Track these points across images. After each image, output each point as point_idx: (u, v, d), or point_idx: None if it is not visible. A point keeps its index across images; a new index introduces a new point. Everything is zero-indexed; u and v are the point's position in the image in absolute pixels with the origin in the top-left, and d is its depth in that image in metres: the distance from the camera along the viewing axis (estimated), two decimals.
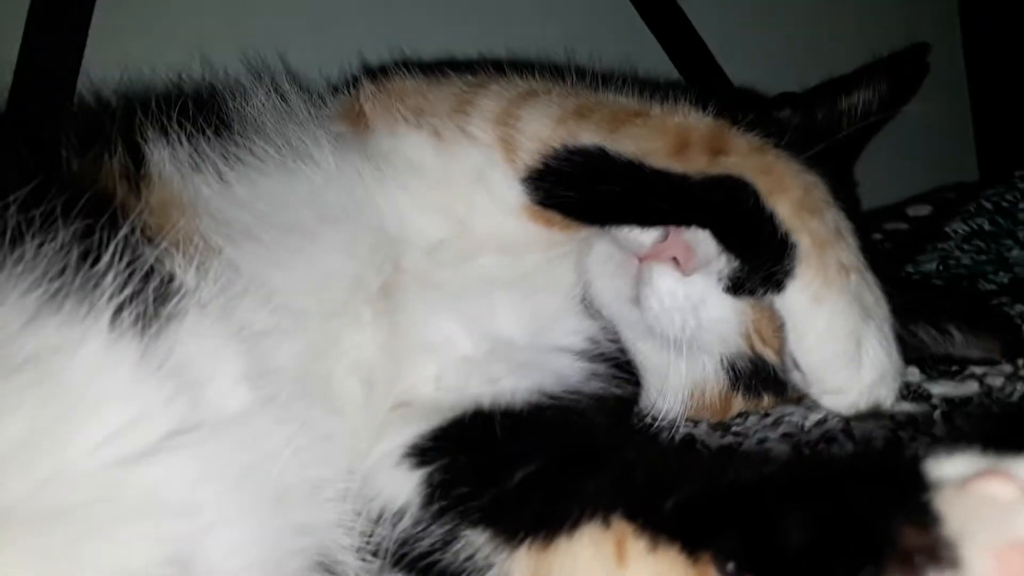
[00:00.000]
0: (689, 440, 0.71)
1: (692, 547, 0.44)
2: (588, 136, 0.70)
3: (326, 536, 0.56)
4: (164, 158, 0.62)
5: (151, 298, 0.50)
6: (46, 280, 0.47)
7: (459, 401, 0.66)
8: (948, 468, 0.34)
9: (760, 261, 0.65)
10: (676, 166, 0.68)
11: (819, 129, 0.81)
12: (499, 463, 0.56)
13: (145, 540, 0.44)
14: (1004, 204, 1.11)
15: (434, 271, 0.72)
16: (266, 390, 0.54)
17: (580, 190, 0.71)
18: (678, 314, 0.72)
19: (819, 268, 0.65)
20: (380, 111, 0.77)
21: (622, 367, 0.75)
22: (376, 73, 0.81)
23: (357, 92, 0.79)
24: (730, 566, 0.42)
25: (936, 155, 1.42)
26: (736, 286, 0.70)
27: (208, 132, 0.67)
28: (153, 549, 0.44)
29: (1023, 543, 0.29)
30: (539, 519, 0.51)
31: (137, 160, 0.61)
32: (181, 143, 0.64)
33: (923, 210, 1.24)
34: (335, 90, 0.82)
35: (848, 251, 0.67)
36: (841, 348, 0.64)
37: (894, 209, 1.24)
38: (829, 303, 0.64)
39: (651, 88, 0.76)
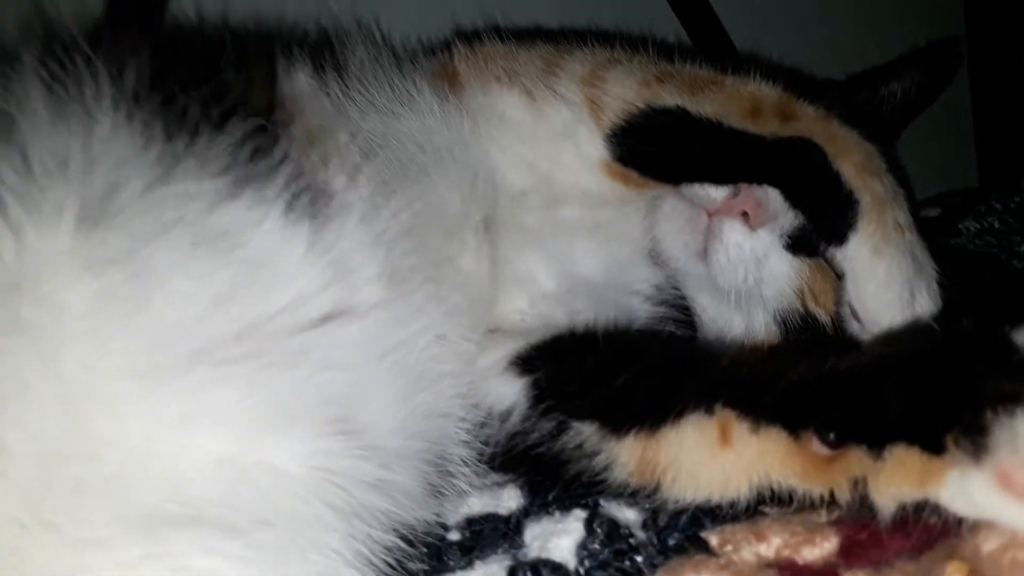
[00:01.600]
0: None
1: (794, 426, 0.51)
2: (670, 98, 0.77)
3: (443, 424, 0.62)
4: (301, 86, 0.68)
5: (315, 194, 0.56)
6: (231, 167, 0.53)
7: (547, 329, 0.72)
8: None
9: (826, 216, 0.73)
10: (751, 127, 0.76)
11: (864, 111, 0.89)
12: (601, 368, 0.62)
13: (318, 390, 0.50)
14: (1012, 205, 1.20)
15: (520, 215, 0.78)
16: (399, 289, 0.61)
17: (661, 146, 0.78)
18: (742, 266, 0.79)
19: (879, 224, 0.72)
20: (473, 71, 0.84)
21: (683, 313, 0.82)
22: (468, 37, 0.88)
23: (451, 53, 0.86)
24: (832, 435, 0.49)
25: (939, 163, 1.51)
26: (796, 243, 0.78)
27: (329, 71, 0.73)
28: (324, 399, 0.50)
29: None
30: (644, 411, 0.57)
31: (275, 84, 0.68)
32: (312, 76, 0.70)
33: (933, 212, 1.32)
34: (430, 51, 0.89)
35: (903, 212, 0.75)
36: (897, 297, 0.72)
37: (920, 215, 1.33)
38: (887, 255, 0.72)
39: (721, 61, 0.84)
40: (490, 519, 0.59)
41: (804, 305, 0.81)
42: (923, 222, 0.82)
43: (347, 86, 0.73)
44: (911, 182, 0.85)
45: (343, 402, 0.52)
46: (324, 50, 0.76)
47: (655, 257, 0.84)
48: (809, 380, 0.52)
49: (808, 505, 0.51)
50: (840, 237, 0.73)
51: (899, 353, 0.49)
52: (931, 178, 1.46)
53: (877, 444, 0.46)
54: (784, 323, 0.82)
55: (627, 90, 0.79)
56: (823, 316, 0.81)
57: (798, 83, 0.83)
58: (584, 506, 0.55)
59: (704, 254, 0.80)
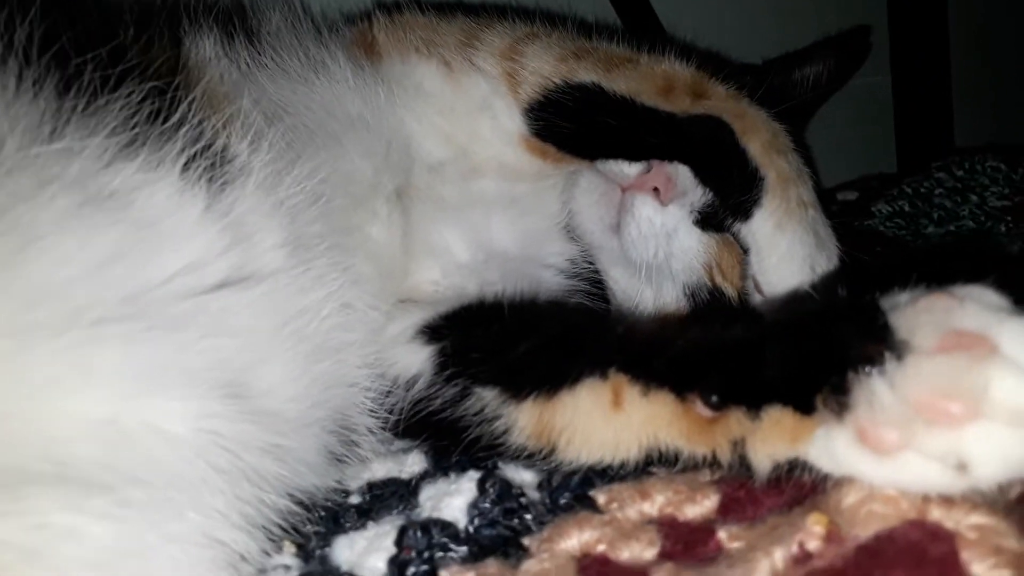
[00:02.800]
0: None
1: (681, 389, 0.53)
2: (585, 74, 0.79)
3: (348, 393, 0.62)
4: (206, 51, 0.67)
5: (214, 159, 0.56)
6: (124, 128, 0.52)
7: (459, 299, 0.73)
8: (901, 298, 0.43)
9: (733, 191, 0.75)
10: (664, 105, 0.78)
11: (777, 93, 0.91)
12: (505, 337, 0.63)
13: (208, 354, 0.50)
14: (922, 190, 1.24)
15: (437, 186, 0.79)
16: (302, 257, 0.60)
17: (576, 122, 0.79)
18: (652, 240, 0.81)
19: (783, 199, 0.75)
20: (392, 40, 0.83)
21: (596, 287, 0.84)
22: (389, 7, 0.88)
23: (370, 23, 0.85)
24: (714, 398, 0.50)
25: (861, 149, 1.57)
26: (705, 219, 0.80)
27: (242, 36, 0.72)
28: (214, 363, 0.50)
29: (959, 329, 0.38)
30: (543, 377, 0.58)
31: (179, 50, 0.66)
32: (218, 42, 0.69)
33: (851, 195, 1.37)
34: (350, 21, 0.88)
35: (807, 190, 0.78)
36: (798, 270, 0.74)
37: (825, 193, 1.37)
38: (790, 230, 0.74)
39: (637, 40, 0.85)
40: (391, 483, 0.60)
41: (712, 279, 0.83)
42: (827, 201, 0.85)
43: (258, 53, 0.72)
44: (816, 163, 0.88)
45: (236, 367, 0.52)
46: (235, 17, 0.75)
47: (571, 231, 0.85)
48: (696, 346, 0.54)
49: (693, 466, 0.53)
50: (745, 212, 0.75)
51: (778, 321, 0.51)
52: (853, 163, 1.50)
53: (755, 405, 0.48)
54: (693, 296, 0.84)
55: (545, 65, 0.79)
56: (730, 290, 0.84)
57: (713, 64, 0.85)
58: (481, 468, 0.56)
59: (617, 228, 0.82)
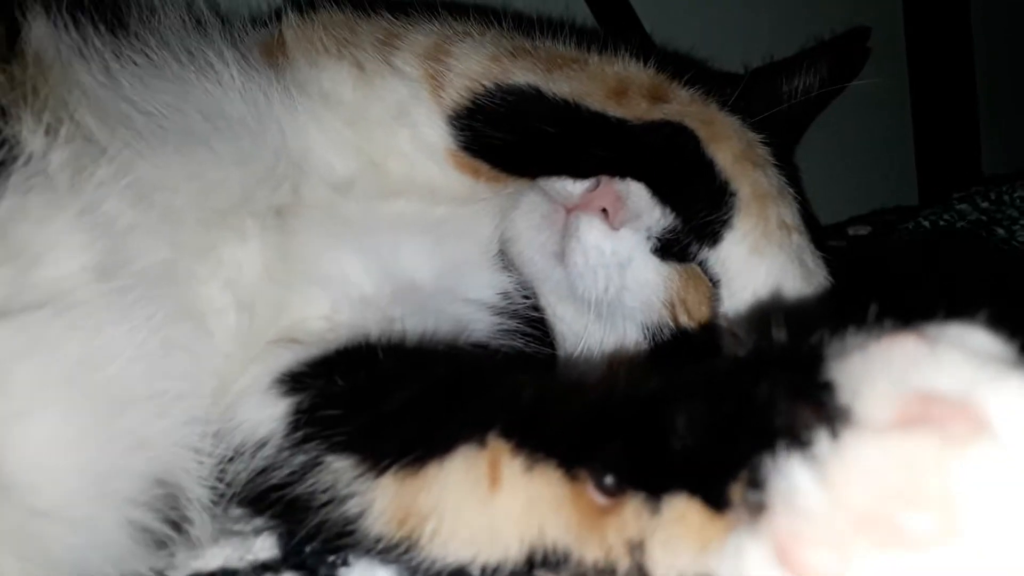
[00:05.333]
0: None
1: (571, 463, 0.38)
2: (522, 76, 0.66)
3: (170, 458, 0.49)
4: (42, 37, 0.56)
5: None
6: None
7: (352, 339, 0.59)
8: (851, 342, 0.28)
9: (697, 208, 0.61)
10: (614, 110, 0.64)
11: (756, 101, 0.77)
12: (378, 388, 0.49)
13: None
14: (941, 223, 1.09)
15: (339, 205, 0.66)
16: (116, 285, 0.48)
17: (510, 132, 0.66)
18: (603, 271, 0.67)
19: (759, 219, 0.61)
20: (302, 41, 0.71)
21: (535, 327, 0.69)
22: (303, 5, 0.77)
23: (280, 24, 0.74)
24: (608, 479, 0.36)
25: (879, 178, 1.41)
26: (666, 247, 0.66)
27: (101, 27, 0.61)
28: None
29: (928, 391, 0.24)
30: (410, 442, 0.44)
31: (12, 34, 0.55)
32: (67, 28, 0.58)
33: (863, 230, 1.22)
34: (259, 23, 0.77)
35: (790, 211, 0.64)
36: None
37: (834, 228, 1.22)
38: (769, 256, 0.60)
39: (592, 39, 0.72)
40: None
41: (675, 319, 0.69)
42: (818, 228, 0.70)
43: (119, 49, 0.61)
44: (803, 183, 0.73)
45: None
46: (104, 7, 0.65)
47: (506, 260, 0.72)
48: (597, 406, 0.40)
49: (591, 575, 0.38)
50: (713, 235, 0.61)
51: (700, 374, 0.37)
52: (871, 194, 1.35)
53: (656, 492, 0.34)
54: (653, 339, 0.70)
55: (474, 65, 0.67)
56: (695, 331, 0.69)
57: (687, 70, 0.72)
58: (298, 566, 0.42)
59: (562, 256, 0.68)
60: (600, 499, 0.36)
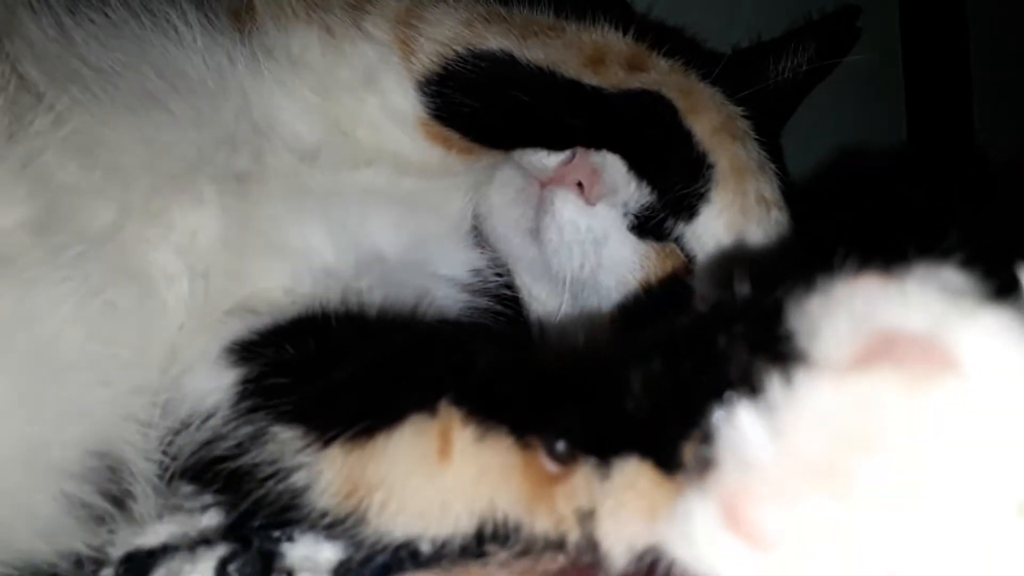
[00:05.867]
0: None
1: (523, 431, 0.36)
2: (495, 41, 0.64)
3: (111, 428, 0.46)
4: None
5: None
6: None
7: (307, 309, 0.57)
8: (814, 288, 0.26)
9: (673, 180, 0.59)
10: (590, 78, 0.62)
11: (740, 79, 0.75)
12: (329, 357, 0.46)
13: None
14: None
15: (304, 174, 0.63)
16: (54, 241, 0.45)
17: (481, 99, 0.64)
18: (578, 248, 0.65)
19: (737, 193, 0.59)
20: (271, 5, 0.69)
21: (508, 305, 0.67)
22: None
23: None
24: (560, 445, 0.33)
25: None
26: (643, 224, 0.64)
27: None
28: None
29: (893, 328, 0.21)
30: (359, 412, 0.42)
31: None
32: None
33: None
34: None
35: (770, 186, 0.61)
36: None
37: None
38: (746, 232, 0.57)
39: (572, 9, 0.70)
40: (144, 555, 0.43)
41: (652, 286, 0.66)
42: (802, 204, 0.68)
43: (75, 4, 0.59)
44: (786, 165, 0.71)
45: None
46: None
47: (479, 236, 0.69)
48: (552, 369, 0.37)
49: (540, 548, 0.36)
50: (689, 208, 0.59)
51: (658, 331, 0.34)
52: None
53: (607, 456, 0.31)
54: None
55: (447, 29, 0.65)
56: None
57: (665, 40, 0.69)
58: (239, 539, 0.40)
59: (536, 232, 0.66)
60: (551, 467, 0.34)
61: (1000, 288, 0.22)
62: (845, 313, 0.22)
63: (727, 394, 0.24)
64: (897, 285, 0.22)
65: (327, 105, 0.65)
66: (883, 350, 0.21)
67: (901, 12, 1.34)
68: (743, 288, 0.30)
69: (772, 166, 0.64)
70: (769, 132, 0.69)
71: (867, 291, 0.22)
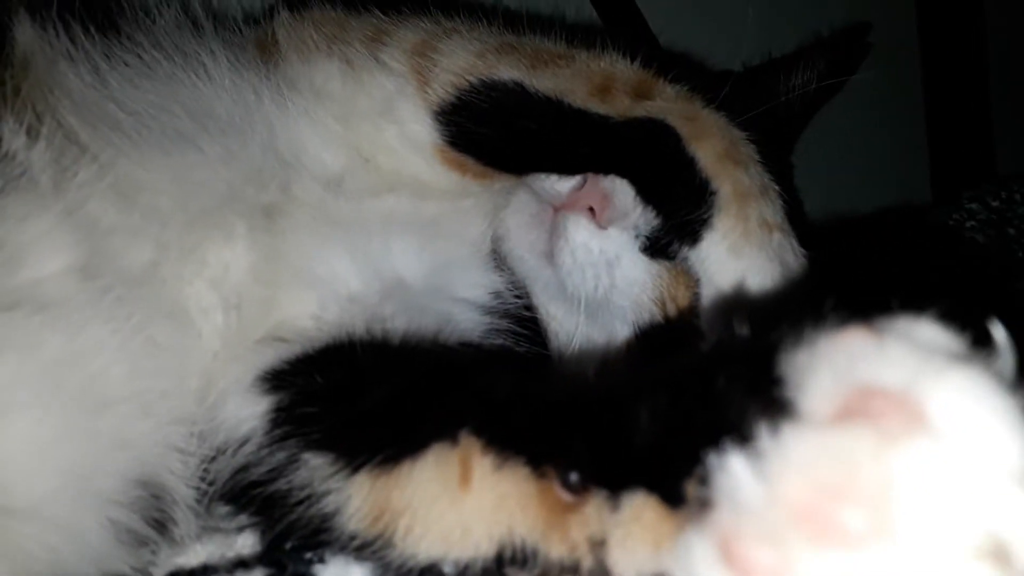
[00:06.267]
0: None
1: (538, 461, 0.38)
2: (507, 72, 0.66)
3: (153, 457, 0.49)
4: (27, 40, 0.57)
5: None
6: None
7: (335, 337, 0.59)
8: (805, 336, 0.28)
9: (677, 207, 0.61)
10: (597, 107, 0.64)
11: (747, 99, 0.77)
12: (356, 385, 0.49)
13: None
14: (950, 223, 1.07)
15: (329, 203, 0.66)
16: (98, 284, 0.48)
17: (494, 127, 0.66)
18: (591, 270, 0.67)
19: (739, 219, 0.60)
20: (294, 39, 0.72)
21: (527, 326, 0.69)
22: (295, 4, 0.77)
23: (273, 21, 0.74)
24: (573, 476, 0.36)
25: (892, 175, 1.40)
26: (653, 245, 0.66)
27: (92, 29, 0.62)
28: None
29: (872, 384, 0.23)
30: (385, 440, 0.44)
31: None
32: (56, 32, 0.59)
33: None
34: (252, 21, 0.78)
35: (773, 209, 0.63)
36: None
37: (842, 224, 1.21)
38: (748, 256, 0.59)
39: (582, 37, 0.72)
40: (190, 574, 0.46)
41: (666, 317, 0.68)
42: (804, 224, 0.69)
43: (110, 50, 0.62)
44: (794, 180, 0.72)
45: None
46: (95, 9, 0.65)
47: (498, 259, 0.71)
48: (565, 402, 0.39)
49: (556, 572, 0.38)
50: (693, 234, 0.61)
51: (666, 366, 0.36)
52: (884, 192, 1.34)
53: (616, 489, 0.33)
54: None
55: (461, 60, 0.67)
56: None
57: (671, 65, 0.71)
58: (273, 563, 0.42)
59: (550, 255, 0.68)
60: (565, 496, 0.36)
61: (975, 340, 0.24)
62: (828, 367, 0.24)
63: (722, 439, 0.26)
64: (876, 341, 0.24)
65: (349, 134, 0.68)
66: (862, 404, 0.23)
67: (919, 28, 1.34)
68: (743, 329, 0.32)
69: (776, 188, 0.65)
70: (776, 152, 0.70)
71: (849, 346, 0.24)
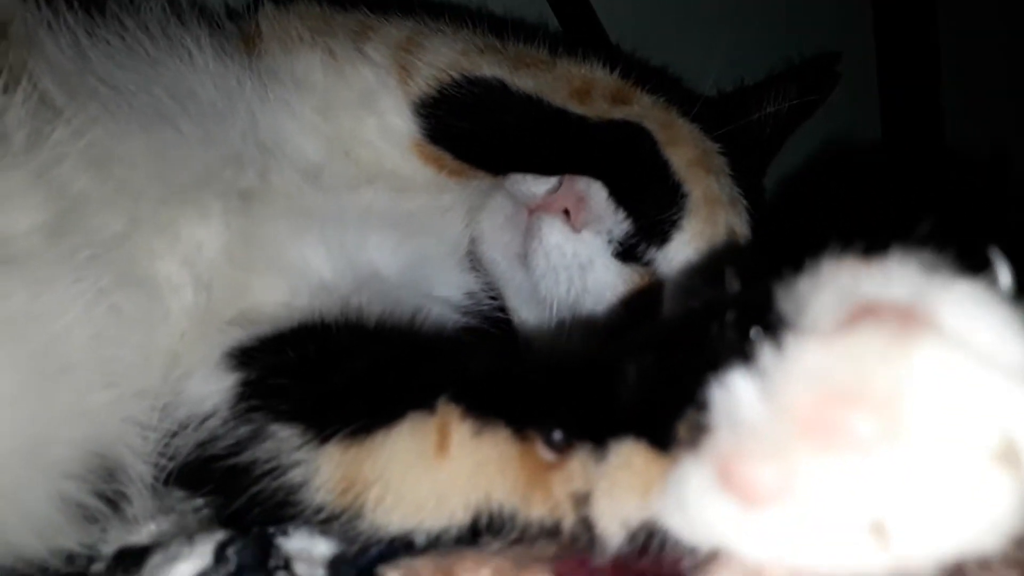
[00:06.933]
0: None
1: (520, 424, 0.37)
2: (489, 69, 0.67)
3: (111, 430, 0.47)
4: (5, 6, 0.56)
5: None
6: None
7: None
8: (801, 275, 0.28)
9: (649, 207, 0.61)
10: (575, 108, 0.65)
11: (720, 118, 0.78)
12: (325, 362, 0.48)
13: None
14: None
15: (306, 192, 0.65)
16: (67, 246, 0.46)
17: (473, 122, 0.66)
18: (564, 273, 0.67)
19: (708, 223, 0.61)
20: (277, 30, 0.72)
21: (499, 328, 0.68)
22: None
23: (257, 14, 0.74)
24: (556, 435, 0.35)
25: None
26: (626, 251, 0.66)
27: (75, 5, 0.61)
28: None
29: (876, 299, 0.23)
30: (358, 411, 0.43)
31: None
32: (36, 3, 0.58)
33: None
34: (236, 13, 0.78)
35: (740, 220, 0.64)
36: None
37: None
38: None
39: (563, 46, 0.73)
40: (143, 550, 0.43)
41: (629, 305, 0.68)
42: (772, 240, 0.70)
43: (92, 28, 0.61)
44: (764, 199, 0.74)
45: None
46: None
47: (474, 260, 0.71)
48: (546, 366, 0.39)
49: (530, 536, 0.37)
50: (662, 235, 0.61)
51: (651, 328, 0.36)
52: None
53: (602, 440, 0.33)
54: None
55: (442, 57, 0.68)
56: None
57: (649, 79, 0.73)
58: (233, 530, 0.40)
59: (524, 257, 0.68)
60: (548, 455, 0.35)
61: (971, 268, 0.25)
62: (831, 288, 0.24)
63: (721, 365, 0.26)
64: (880, 264, 0.24)
65: (329, 125, 0.67)
66: (867, 316, 0.23)
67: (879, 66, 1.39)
68: (733, 284, 0.32)
69: (744, 203, 0.67)
70: (746, 169, 0.72)
71: (851, 269, 0.24)
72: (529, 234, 0.67)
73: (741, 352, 0.26)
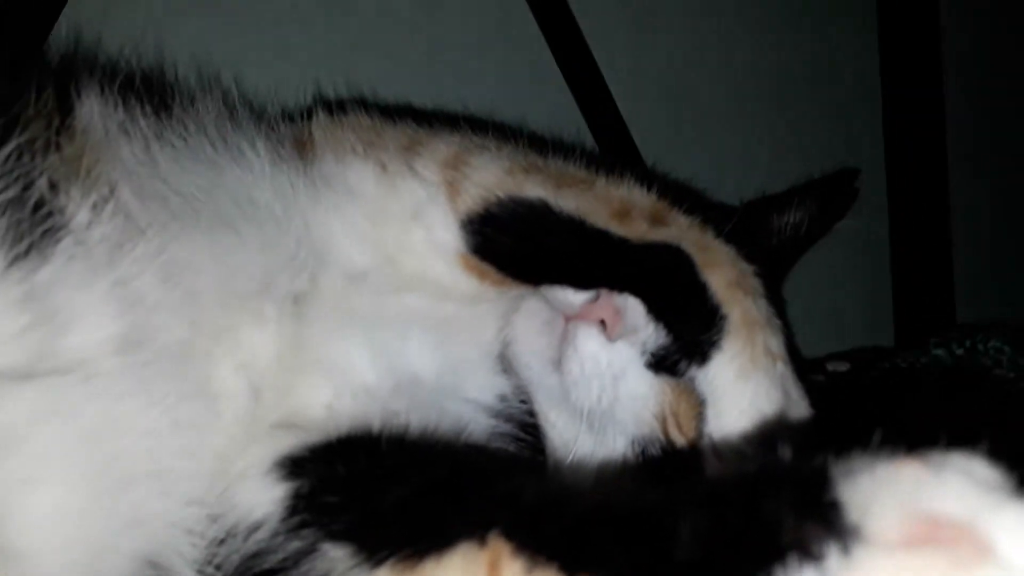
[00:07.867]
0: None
1: (572, 568, 0.39)
2: (533, 190, 0.70)
3: (164, 538, 0.48)
4: (93, 112, 0.59)
5: (31, 218, 0.46)
6: None
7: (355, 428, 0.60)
8: (856, 465, 0.30)
9: (689, 327, 0.64)
10: (616, 229, 0.68)
11: (749, 234, 0.82)
12: (379, 478, 0.50)
13: None
14: (917, 367, 1.12)
15: (352, 296, 0.68)
16: (137, 359, 0.49)
17: (518, 240, 0.69)
18: (597, 382, 0.69)
19: (747, 344, 0.64)
20: (330, 140, 0.76)
21: (528, 431, 0.71)
22: (333, 106, 0.81)
23: (310, 121, 0.78)
24: None
25: (856, 318, 1.47)
26: (659, 362, 0.69)
27: (147, 108, 0.65)
28: None
29: (934, 513, 0.25)
30: (409, 535, 0.45)
31: (65, 108, 0.58)
32: (116, 107, 0.62)
33: (842, 366, 1.25)
34: (289, 118, 0.81)
35: (777, 340, 0.67)
36: None
37: (813, 363, 1.25)
38: (754, 381, 0.62)
39: (600, 164, 0.77)
40: None
41: (666, 432, 0.70)
42: (800, 360, 0.73)
43: (160, 130, 0.64)
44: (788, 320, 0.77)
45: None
46: (150, 90, 0.68)
47: (505, 363, 0.73)
48: (599, 511, 0.41)
49: None
50: (702, 354, 0.64)
51: (703, 487, 0.38)
52: (848, 335, 1.40)
53: None
54: (643, 451, 0.71)
55: (490, 176, 0.71)
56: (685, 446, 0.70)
57: (683, 197, 0.76)
58: None
59: (558, 363, 0.70)
60: None
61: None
62: (892, 495, 0.26)
63: (788, 556, 0.28)
64: (936, 472, 0.27)
65: (377, 233, 0.71)
66: (928, 532, 0.25)
67: (888, 180, 1.44)
68: (786, 454, 0.35)
69: (778, 322, 0.69)
70: (777, 292, 0.75)
71: (910, 476, 0.27)
72: (565, 341, 0.70)
73: (804, 543, 0.28)
